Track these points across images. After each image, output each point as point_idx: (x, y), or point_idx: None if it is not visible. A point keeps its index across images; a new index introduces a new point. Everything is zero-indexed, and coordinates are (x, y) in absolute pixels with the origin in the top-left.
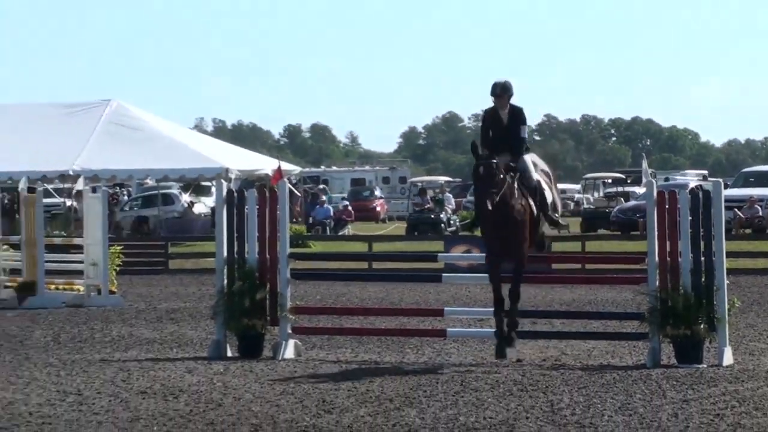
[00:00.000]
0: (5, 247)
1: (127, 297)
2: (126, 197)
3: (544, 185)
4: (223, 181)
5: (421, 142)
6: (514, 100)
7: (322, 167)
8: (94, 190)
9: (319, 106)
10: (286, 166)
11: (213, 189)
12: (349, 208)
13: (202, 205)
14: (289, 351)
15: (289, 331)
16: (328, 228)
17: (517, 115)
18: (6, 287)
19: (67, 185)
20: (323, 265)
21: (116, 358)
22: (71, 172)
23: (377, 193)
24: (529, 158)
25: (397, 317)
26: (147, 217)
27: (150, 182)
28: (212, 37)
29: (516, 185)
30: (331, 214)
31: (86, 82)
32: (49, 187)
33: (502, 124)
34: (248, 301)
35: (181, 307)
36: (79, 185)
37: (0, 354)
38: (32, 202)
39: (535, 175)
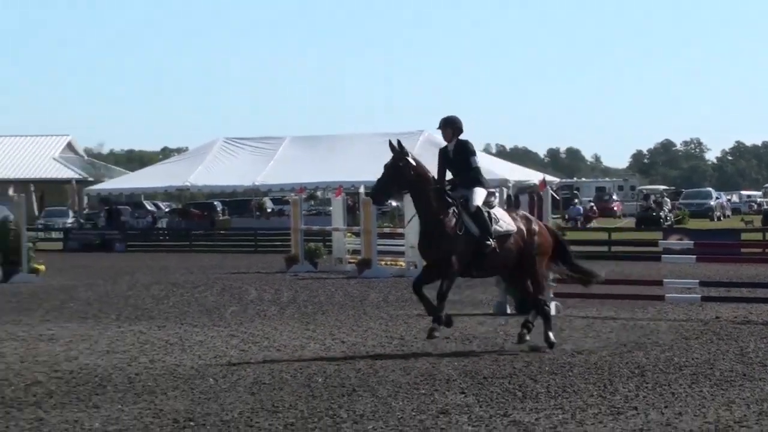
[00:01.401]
0: (349, 234)
1: None
2: None
3: (503, 219)
4: (503, 188)
5: (645, 161)
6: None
7: (575, 178)
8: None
9: (571, 133)
10: (548, 177)
11: (496, 194)
12: (594, 208)
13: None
14: (551, 309)
15: (552, 295)
16: (579, 222)
17: (463, 147)
18: (350, 263)
19: None
20: (576, 248)
21: (425, 314)
22: None
23: (614, 197)
24: (481, 192)
25: (629, 286)
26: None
27: None
28: (498, 73)
29: (457, 209)
30: (581, 212)
31: (399, 116)
32: None
33: (449, 158)
34: None
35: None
36: None
37: (345, 310)
38: (368, 203)
39: (477, 204)
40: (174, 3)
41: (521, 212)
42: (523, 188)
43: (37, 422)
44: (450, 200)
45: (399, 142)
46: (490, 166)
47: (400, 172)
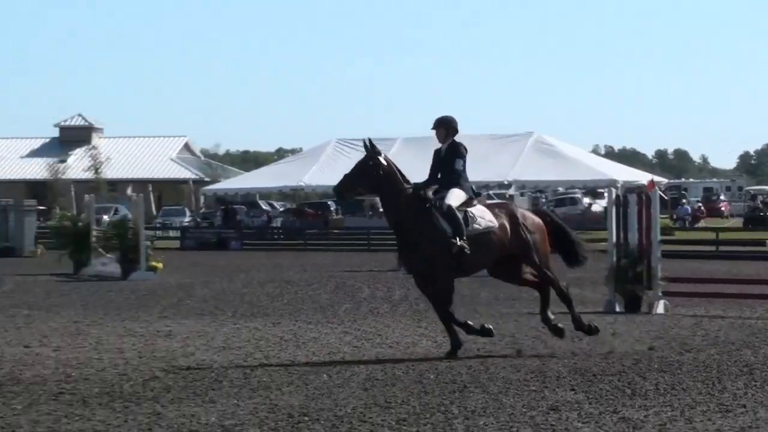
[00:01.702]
0: None
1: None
2: (544, 200)
3: (483, 217)
4: (612, 188)
5: (752, 161)
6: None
7: (683, 179)
8: (522, 194)
9: (679, 135)
10: (656, 178)
11: (605, 194)
12: (702, 208)
13: (598, 206)
14: (660, 308)
15: (660, 294)
16: (687, 222)
17: (454, 149)
18: None
19: (502, 191)
20: (684, 247)
21: (536, 312)
22: (506, 182)
23: (722, 197)
24: (458, 192)
25: (737, 285)
26: (557, 214)
27: (561, 189)
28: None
29: (431, 211)
30: (689, 212)
31: (511, 116)
32: (490, 192)
33: (441, 159)
34: (631, 273)
35: (582, 277)
36: (511, 191)
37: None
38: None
39: (451, 203)
40: (290, 4)
41: (509, 206)
42: (631, 188)
43: (155, 416)
44: (424, 203)
45: (370, 141)
46: (598, 166)
47: (368, 170)
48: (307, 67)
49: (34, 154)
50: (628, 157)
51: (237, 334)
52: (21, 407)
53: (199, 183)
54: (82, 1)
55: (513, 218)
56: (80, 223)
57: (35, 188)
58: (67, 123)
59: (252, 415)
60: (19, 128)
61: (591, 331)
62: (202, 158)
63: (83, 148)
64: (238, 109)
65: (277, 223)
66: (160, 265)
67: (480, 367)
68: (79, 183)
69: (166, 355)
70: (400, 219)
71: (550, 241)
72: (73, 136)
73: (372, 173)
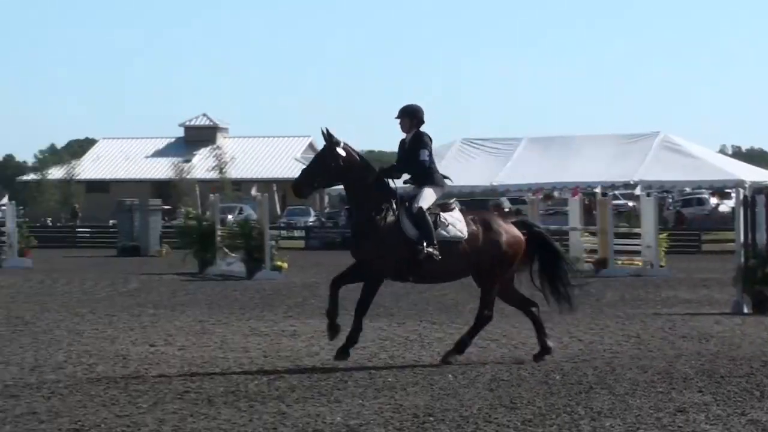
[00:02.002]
0: (586, 234)
1: (672, 270)
2: (670, 200)
3: (453, 224)
4: (740, 189)
5: None
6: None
7: None
8: (648, 195)
9: None
10: None
11: (733, 195)
12: None
13: (725, 206)
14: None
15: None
16: None
17: (417, 139)
18: (586, 262)
19: (628, 191)
20: None
21: (664, 312)
22: (632, 182)
23: None
24: (430, 193)
25: None
26: (684, 214)
27: (687, 189)
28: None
29: (395, 206)
30: None
31: (637, 116)
32: (616, 192)
33: (405, 149)
34: (759, 273)
35: (710, 277)
36: (637, 191)
37: (582, 308)
38: (605, 203)
39: (421, 205)
40: (420, 7)
41: (487, 215)
42: (759, 189)
43: (280, 415)
44: (390, 195)
45: (327, 131)
46: (725, 167)
47: (326, 162)
48: (429, 66)
49: (159, 153)
50: (756, 157)
51: (361, 334)
52: (146, 406)
53: None
54: (208, 1)
55: (487, 232)
56: (205, 223)
57: (160, 188)
58: (192, 123)
59: (377, 415)
60: (145, 128)
61: (446, 360)
62: None
63: (208, 148)
64: (361, 109)
65: None
66: (285, 265)
67: (606, 368)
68: (203, 183)
69: (291, 355)
70: (360, 214)
71: (533, 254)
72: (198, 136)
73: (331, 165)
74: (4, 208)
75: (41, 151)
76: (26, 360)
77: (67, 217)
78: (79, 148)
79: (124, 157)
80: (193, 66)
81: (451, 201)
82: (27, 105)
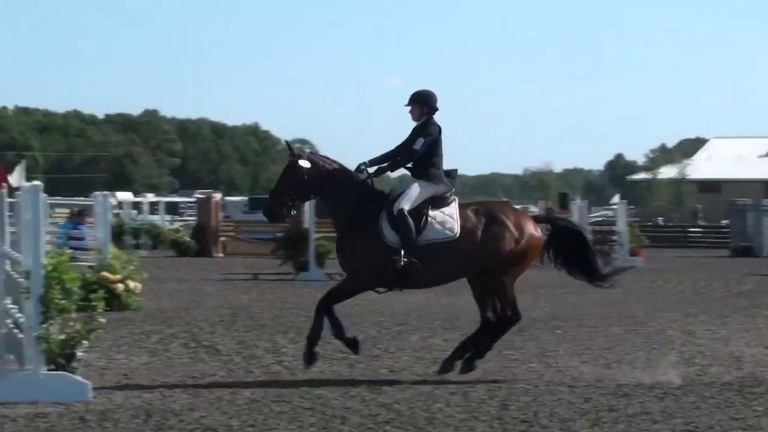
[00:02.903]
0: None
1: None
2: None
3: (444, 223)
4: None
5: None
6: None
7: None
8: None
9: None
10: None
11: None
12: None
13: None
14: None
15: None
16: None
17: (421, 126)
18: None
19: None
20: None
21: None
22: None
23: None
24: (415, 190)
25: None
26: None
27: None
28: None
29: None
30: None
31: None
32: None
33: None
34: None
35: None
36: None
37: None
38: None
39: (402, 206)
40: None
41: (495, 206)
42: None
43: None
44: (372, 198)
45: (288, 144)
46: None
47: (290, 179)
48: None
49: None
50: None
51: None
52: (762, 409)
53: None
54: None
55: (488, 227)
56: None
57: None
58: None
59: None
60: (758, 128)
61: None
62: None
63: None
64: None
65: None
66: None
67: None
68: None
69: None
70: (340, 232)
71: (561, 249)
72: None
73: (295, 181)
74: (615, 207)
75: (652, 151)
76: (638, 359)
77: (683, 217)
78: (690, 147)
79: (735, 157)
80: None
81: (449, 194)
82: (636, 106)
